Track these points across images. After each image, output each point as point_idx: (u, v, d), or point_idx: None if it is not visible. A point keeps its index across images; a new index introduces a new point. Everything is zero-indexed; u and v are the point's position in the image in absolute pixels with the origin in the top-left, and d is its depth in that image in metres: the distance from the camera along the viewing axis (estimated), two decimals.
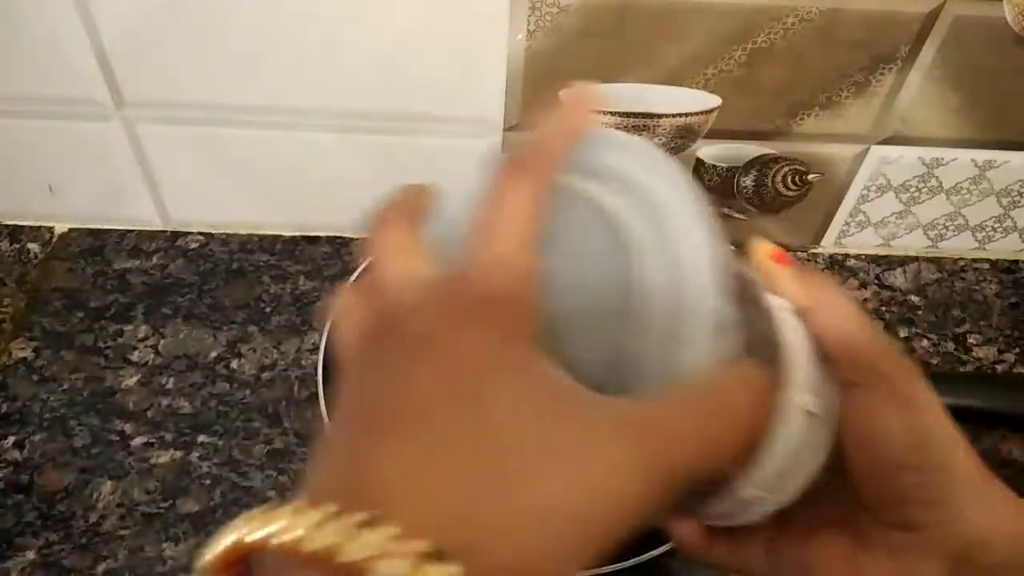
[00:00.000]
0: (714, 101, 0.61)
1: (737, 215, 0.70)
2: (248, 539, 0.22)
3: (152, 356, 0.65)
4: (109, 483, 0.59)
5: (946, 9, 0.56)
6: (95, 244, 0.71)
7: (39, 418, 0.62)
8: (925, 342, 0.68)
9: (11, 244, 0.71)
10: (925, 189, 0.68)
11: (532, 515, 0.22)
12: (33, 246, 0.71)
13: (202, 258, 0.71)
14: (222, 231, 0.72)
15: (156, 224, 0.72)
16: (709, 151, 0.66)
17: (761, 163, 0.66)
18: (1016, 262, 0.74)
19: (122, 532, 0.57)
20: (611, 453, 0.23)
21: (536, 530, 0.22)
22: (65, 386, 0.63)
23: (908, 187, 0.68)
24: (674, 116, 0.62)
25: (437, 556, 0.20)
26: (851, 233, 0.72)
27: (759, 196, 0.68)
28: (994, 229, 0.71)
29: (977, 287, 0.72)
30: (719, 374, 0.27)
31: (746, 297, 0.30)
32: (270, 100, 0.62)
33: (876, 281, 0.72)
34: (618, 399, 0.25)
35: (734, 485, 0.30)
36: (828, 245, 0.73)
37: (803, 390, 0.30)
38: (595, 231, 0.29)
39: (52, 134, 0.65)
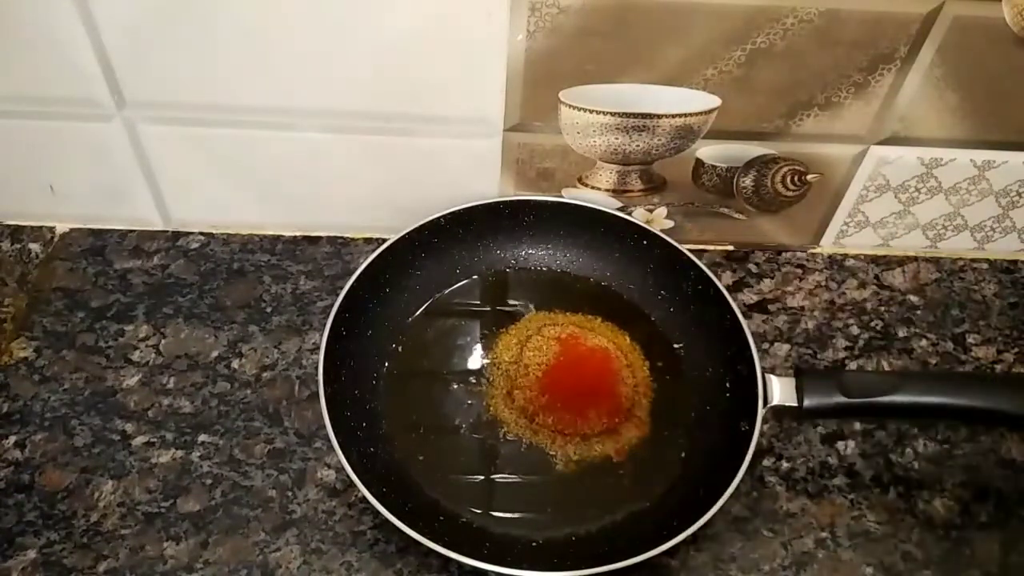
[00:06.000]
0: (714, 101, 0.62)
1: (736, 215, 0.70)
2: None
3: (153, 356, 0.65)
4: (110, 482, 0.59)
5: (945, 9, 0.56)
6: (96, 244, 0.71)
7: (40, 418, 0.62)
8: (924, 342, 0.69)
9: (12, 244, 0.71)
10: (924, 189, 0.68)
11: None
12: (34, 246, 0.71)
13: (203, 258, 0.71)
14: (223, 231, 0.72)
15: (157, 224, 0.72)
16: (709, 151, 0.66)
17: (760, 163, 0.66)
18: (1015, 262, 0.74)
19: (123, 531, 0.57)
20: None
21: None
22: (66, 386, 0.63)
23: (907, 187, 0.68)
24: (674, 116, 0.62)
25: None
26: (850, 233, 0.72)
27: (758, 196, 0.69)
28: (993, 229, 0.71)
29: (976, 287, 0.72)
30: None
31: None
32: (270, 100, 0.62)
33: (875, 281, 0.72)
34: None
35: None
36: (827, 245, 0.73)
37: None
38: None
39: (53, 134, 0.65)
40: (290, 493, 0.59)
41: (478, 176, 0.68)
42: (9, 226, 0.72)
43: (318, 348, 0.61)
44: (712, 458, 0.59)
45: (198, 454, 0.60)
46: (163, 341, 0.66)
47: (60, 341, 0.66)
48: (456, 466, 0.60)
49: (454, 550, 0.52)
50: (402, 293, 0.66)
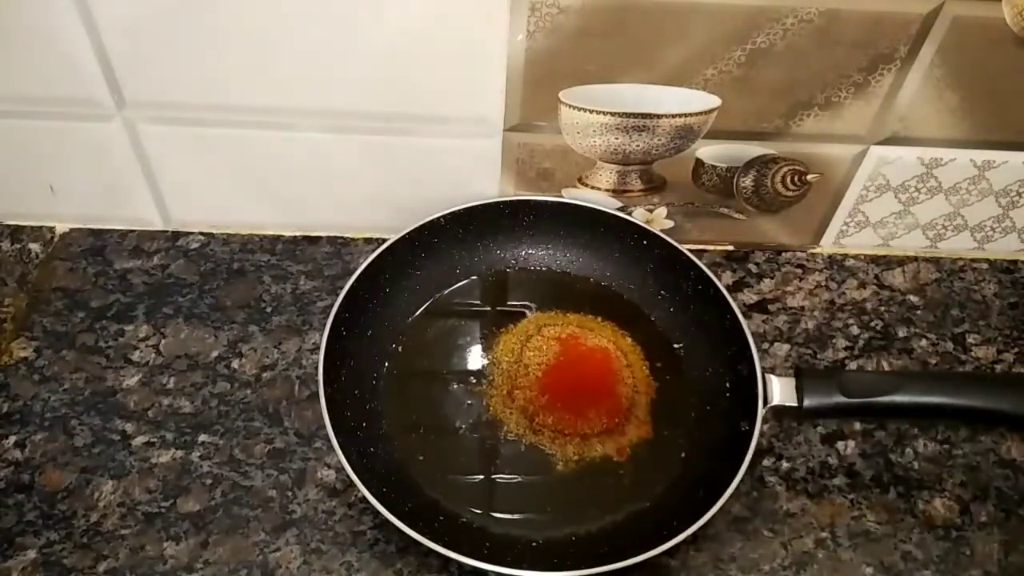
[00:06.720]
0: (714, 101, 0.62)
1: (736, 215, 0.70)
2: None
3: (153, 356, 0.65)
4: (110, 482, 0.59)
5: (945, 9, 0.56)
6: (96, 244, 0.71)
7: (40, 418, 0.62)
8: (924, 342, 0.69)
9: (12, 244, 0.71)
10: (924, 189, 0.68)
11: None
12: (34, 246, 0.71)
13: (203, 258, 0.71)
14: (223, 231, 0.72)
15: (157, 224, 0.72)
16: (709, 151, 0.66)
17: (760, 163, 0.66)
18: (1015, 262, 0.74)
19: (123, 531, 0.57)
20: None
21: None
22: (66, 386, 0.63)
23: (907, 187, 0.68)
24: (674, 116, 0.62)
25: None
26: (850, 233, 0.72)
27: (758, 196, 0.69)
28: (993, 229, 0.71)
29: (976, 287, 0.72)
30: None
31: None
32: (270, 100, 0.62)
33: (875, 281, 0.72)
34: None
35: None
36: (827, 245, 0.73)
37: None
38: None
39: (53, 134, 0.65)
40: (290, 493, 0.59)
41: (478, 176, 0.68)
42: (9, 226, 0.72)
43: (318, 348, 0.61)
44: (712, 458, 0.59)
45: (198, 454, 0.60)
46: (163, 341, 0.66)
47: (60, 341, 0.66)
48: (456, 466, 0.60)
49: (454, 550, 0.52)
50: (402, 293, 0.66)
